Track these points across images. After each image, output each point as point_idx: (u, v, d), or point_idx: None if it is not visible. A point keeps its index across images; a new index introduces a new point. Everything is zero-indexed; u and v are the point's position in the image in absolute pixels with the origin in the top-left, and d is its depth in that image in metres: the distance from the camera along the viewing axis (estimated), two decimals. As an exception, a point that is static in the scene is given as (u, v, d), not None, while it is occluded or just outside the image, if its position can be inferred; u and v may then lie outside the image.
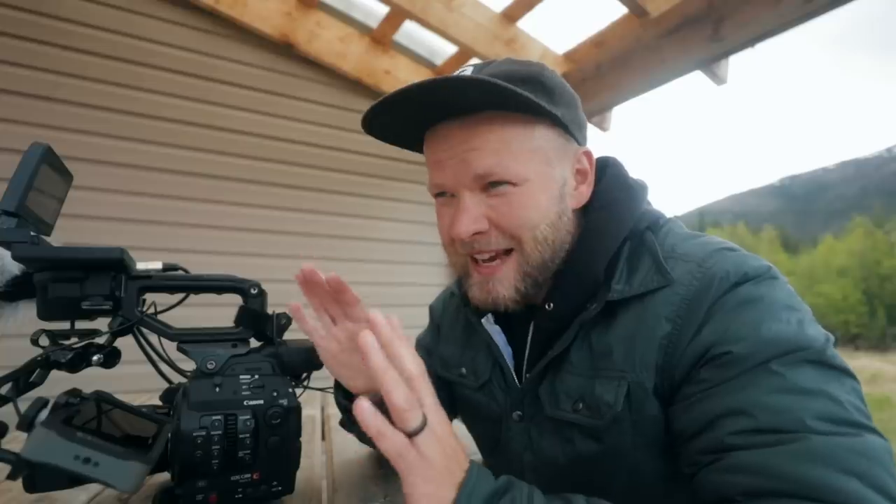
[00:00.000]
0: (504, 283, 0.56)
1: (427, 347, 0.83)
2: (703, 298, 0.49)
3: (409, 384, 0.40)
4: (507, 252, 0.57)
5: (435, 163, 0.57)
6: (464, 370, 0.71)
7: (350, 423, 0.71)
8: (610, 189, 0.61)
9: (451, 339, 0.77)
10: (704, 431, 0.45)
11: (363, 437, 0.75)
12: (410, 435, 0.39)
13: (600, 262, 0.56)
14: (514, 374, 0.63)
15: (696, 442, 0.46)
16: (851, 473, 0.37)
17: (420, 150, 0.62)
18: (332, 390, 0.69)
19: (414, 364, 0.42)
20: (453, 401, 0.76)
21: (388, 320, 0.43)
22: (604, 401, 0.53)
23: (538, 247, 0.56)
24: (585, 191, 0.60)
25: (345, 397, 0.67)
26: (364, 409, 0.38)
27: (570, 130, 0.57)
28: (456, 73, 0.56)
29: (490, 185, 0.54)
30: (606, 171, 0.63)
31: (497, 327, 0.65)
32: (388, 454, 0.38)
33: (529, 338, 0.62)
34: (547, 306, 0.58)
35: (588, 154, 0.60)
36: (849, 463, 0.38)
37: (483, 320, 0.66)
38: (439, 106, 0.54)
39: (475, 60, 2.45)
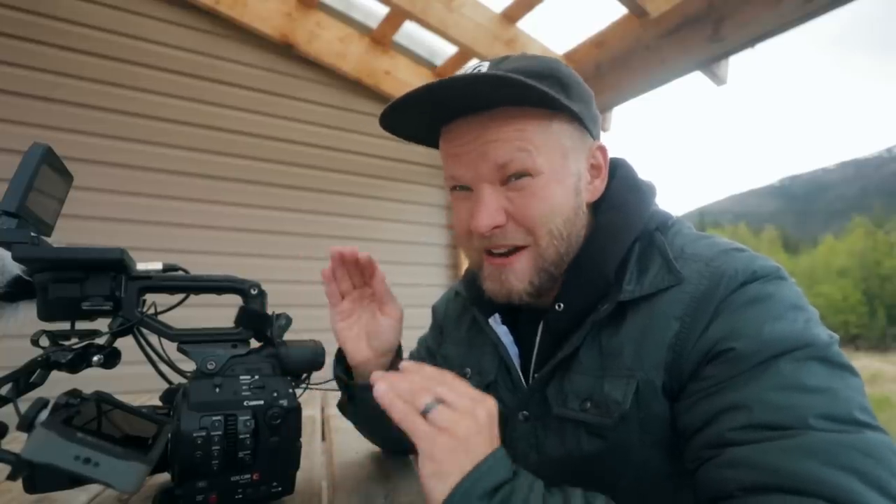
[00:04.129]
0: (518, 276, 0.57)
1: (429, 347, 0.83)
2: (711, 297, 0.49)
3: (430, 381, 0.46)
4: (522, 248, 0.57)
5: (452, 156, 0.58)
6: (468, 370, 0.71)
7: (347, 402, 0.71)
8: (620, 190, 0.62)
9: (455, 339, 0.77)
10: (706, 427, 0.45)
11: (360, 422, 0.76)
12: (423, 413, 0.42)
13: (611, 262, 0.57)
14: (520, 374, 0.63)
15: (698, 437, 0.46)
16: (850, 470, 0.37)
17: (434, 146, 0.63)
18: (332, 390, 0.69)
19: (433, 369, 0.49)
20: None
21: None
22: (612, 399, 0.53)
23: (553, 241, 0.56)
24: (599, 185, 0.61)
25: (343, 372, 0.69)
26: (380, 384, 0.44)
27: (586, 125, 0.58)
28: (471, 68, 0.56)
29: (509, 177, 0.55)
30: (617, 172, 0.64)
31: (504, 327, 0.65)
32: (395, 420, 0.42)
33: (538, 338, 0.62)
34: (557, 307, 0.58)
35: (602, 149, 0.61)
36: (847, 460, 0.38)
37: (490, 320, 0.66)
38: (458, 103, 0.54)
39: (475, 61, 2.45)
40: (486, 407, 0.45)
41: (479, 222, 0.55)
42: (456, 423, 0.42)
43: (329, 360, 0.67)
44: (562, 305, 0.58)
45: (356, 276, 0.68)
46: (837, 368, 0.44)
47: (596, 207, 0.62)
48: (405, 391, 0.44)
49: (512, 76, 0.48)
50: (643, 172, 0.65)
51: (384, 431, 0.77)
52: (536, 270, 0.57)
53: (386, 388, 0.43)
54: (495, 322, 0.66)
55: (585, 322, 0.56)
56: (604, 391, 0.54)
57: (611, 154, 0.65)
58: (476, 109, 0.54)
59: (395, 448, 0.82)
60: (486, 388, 0.67)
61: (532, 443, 0.61)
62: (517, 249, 0.57)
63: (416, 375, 0.47)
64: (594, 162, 0.61)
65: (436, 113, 0.57)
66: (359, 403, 0.68)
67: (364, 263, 0.66)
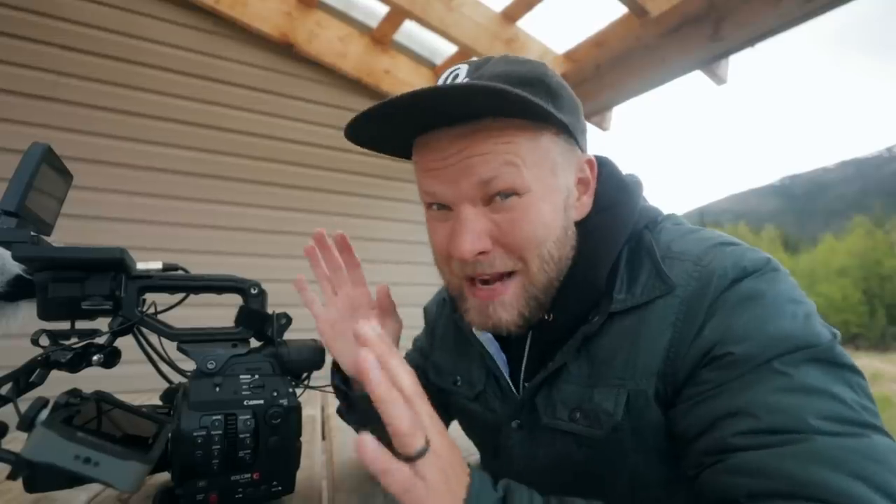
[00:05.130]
0: (507, 308, 0.53)
1: (422, 350, 0.82)
2: (702, 298, 0.48)
3: (408, 404, 0.38)
4: (510, 274, 0.53)
5: (430, 170, 0.52)
6: (459, 379, 0.69)
7: (346, 410, 0.70)
8: (607, 191, 0.58)
9: (444, 346, 0.75)
10: (707, 432, 0.44)
11: (362, 424, 0.74)
12: (413, 458, 0.36)
13: (602, 270, 0.54)
14: (510, 382, 0.62)
15: (699, 443, 0.45)
16: (856, 476, 0.37)
17: (406, 157, 0.58)
18: (332, 390, 0.69)
19: (410, 381, 0.39)
20: (447, 406, 0.75)
21: (379, 334, 0.39)
22: (603, 409, 0.52)
23: (544, 266, 0.52)
24: (587, 201, 0.57)
25: (342, 381, 0.67)
26: (368, 447, 0.35)
27: (575, 137, 0.54)
28: (449, 71, 0.53)
29: (493, 196, 0.50)
30: (602, 172, 0.60)
31: (489, 335, 0.63)
32: (393, 491, 0.36)
33: (527, 347, 0.60)
34: (547, 317, 0.56)
35: (590, 162, 0.57)
36: (854, 465, 0.37)
37: (474, 328, 0.63)
38: (439, 114, 0.49)
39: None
40: (447, 438, 0.41)
41: (461, 248, 0.50)
42: (440, 470, 0.37)
43: (330, 358, 0.67)
44: (551, 316, 0.55)
45: (336, 267, 0.69)
46: (839, 369, 0.43)
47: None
48: (404, 424, 0.36)
49: (503, 88, 0.44)
50: (642, 172, 0.63)
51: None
52: (526, 300, 0.53)
53: (376, 453, 0.35)
54: (479, 331, 0.63)
55: (577, 333, 0.54)
56: (593, 401, 0.52)
57: (606, 154, 0.62)
58: (459, 120, 0.49)
59: None
60: (476, 397, 0.66)
61: (526, 451, 0.60)
62: (504, 276, 0.52)
63: (407, 390, 0.38)
64: (582, 176, 0.56)
65: (413, 124, 0.52)
66: (360, 412, 0.64)
67: (339, 244, 0.67)
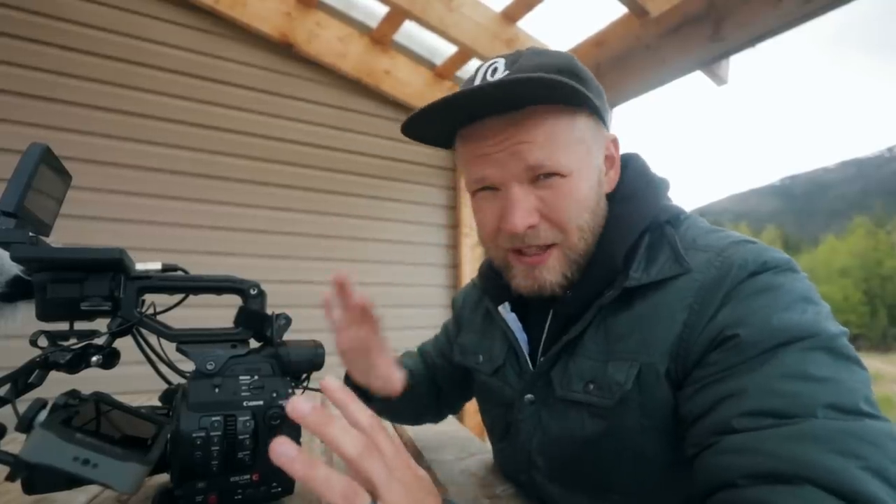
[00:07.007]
0: (551, 271, 0.58)
1: (448, 335, 0.89)
2: (720, 285, 0.49)
3: (350, 466, 0.34)
4: (551, 245, 0.58)
5: (478, 157, 0.57)
6: (481, 357, 0.74)
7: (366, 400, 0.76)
8: (632, 181, 0.63)
9: (471, 327, 0.80)
10: (708, 413, 0.45)
11: (382, 412, 0.80)
12: None
13: (619, 250, 0.57)
14: (528, 358, 0.65)
15: (700, 424, 0.46)
16: (848, 455, 0.37)
17: (443, 146, 0.64)
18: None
19: (355, 442, 0.34)
20: (470, 386, 0.81)
21: (316, 406, 0.36)
22: (615, 380, 0.54)
23: (582, 235, 0.58)
24: (614, 176, 0.63)
25: (355, 391, 0.72)
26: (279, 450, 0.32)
27: (603, 117, 0.59)
28: (487, 64, 0.57)
29: (539, 176, 0.55)
30: (629, 164, 0.65)
31: (513, 315, 0.67)
32: None
33: (547, 324, 0.64)
34: (567, 293, 0.60)
35: (615, 141, 0.63)
36: (849, 446, 0.38)
37: (500, 308, 0.68)
38: (486, 106, 0.55)
39: (476, 61, 2.45)
40: (413, 487, 0.36)
41: (514, 222, 0.55)
42: None
43: (329, 360, 0.68)
44: (570, 291, 0.60)
45: (354, 312, 0.65)
46: (844, 360, 0.44)
47: (609, 199, 0.63)
48: (335, 493, 0.32)
49: (548, 77, 0.49)
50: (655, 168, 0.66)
51: (403, 419, 0.87)
52: (568, 264, 0.59)
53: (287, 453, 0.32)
54: (505, 310, 0.68)
55: (591, 307, 0.58)
56: (607, 373, 0.55)
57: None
58: (506, 109, 0.55)
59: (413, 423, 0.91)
60: (495, 372, 0.70)
61: (536, 425, 0.63)
62: (548, 247, 0.58)
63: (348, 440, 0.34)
64: (608, 153, 0.62)
65: (461, 116, 0.57)
66: (375, 402, 0.73)
67: (361, 304, 0.63)
